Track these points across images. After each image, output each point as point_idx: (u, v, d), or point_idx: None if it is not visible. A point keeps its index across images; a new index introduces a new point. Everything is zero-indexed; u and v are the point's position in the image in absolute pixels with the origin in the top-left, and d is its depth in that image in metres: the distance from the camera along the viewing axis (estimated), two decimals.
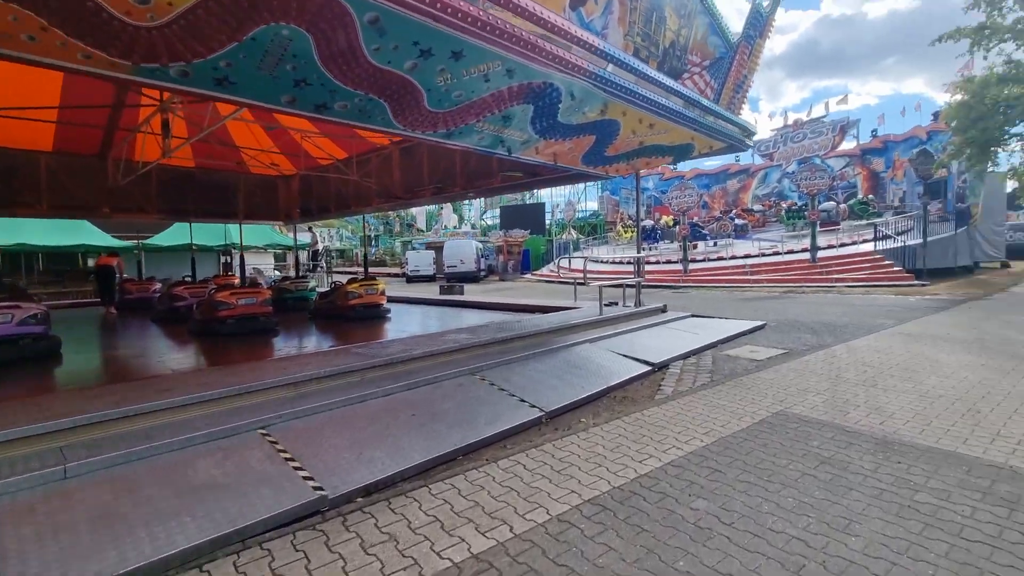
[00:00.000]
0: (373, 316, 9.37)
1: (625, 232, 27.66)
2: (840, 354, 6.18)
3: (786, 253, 19.42)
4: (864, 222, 21.86)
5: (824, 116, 31.65)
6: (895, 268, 16.54)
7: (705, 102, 7.12)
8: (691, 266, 20.04)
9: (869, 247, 18.42)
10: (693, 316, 8.78)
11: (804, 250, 18.60)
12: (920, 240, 17.25)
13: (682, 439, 3.67)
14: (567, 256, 25.42)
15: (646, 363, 5.72)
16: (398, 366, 4.74)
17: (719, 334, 7.34)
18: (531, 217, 31.79)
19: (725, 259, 20.01)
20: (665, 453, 3.42)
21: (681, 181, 19.78)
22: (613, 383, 5.07)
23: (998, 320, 8.44)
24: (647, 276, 19.91)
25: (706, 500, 2.79)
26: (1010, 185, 22.69)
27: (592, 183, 40.69)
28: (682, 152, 8.19)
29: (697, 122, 7.02)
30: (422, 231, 42.74)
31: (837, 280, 16.16)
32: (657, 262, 22.03)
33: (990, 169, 18.39)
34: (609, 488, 2.95)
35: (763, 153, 34.44)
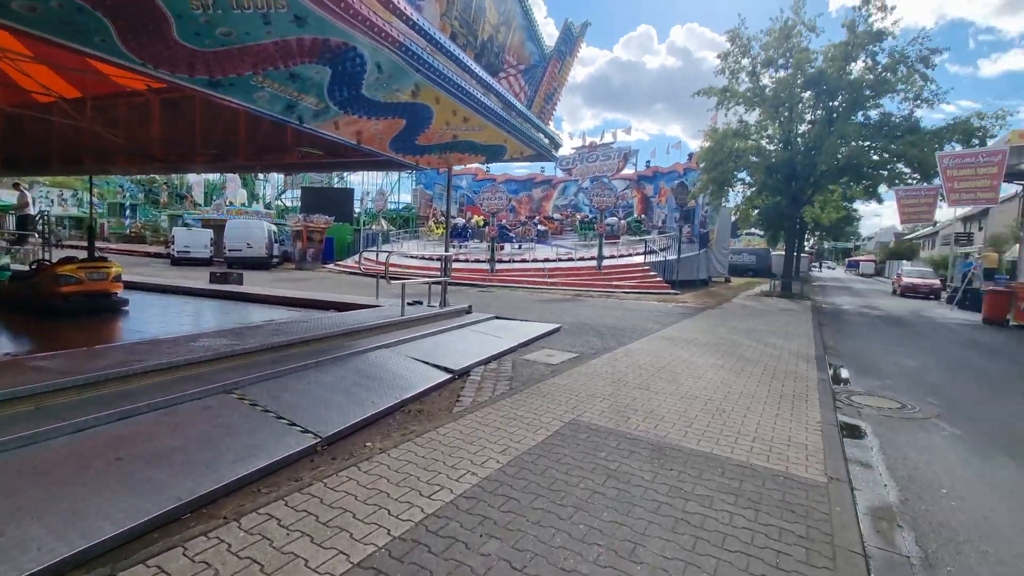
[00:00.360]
0: (97, 309, 7.14)
1: (437, 228, 27.52)
2: (620, 358, 6.75)
3: (578, 260, 21.58)
4: (637, 238, 25.69)
5: (612, 143, 36.52)
6: (658, 279, 19.67)
7: (520, 106, 7.11)
8: (497, 266, 20.81)
9: (640, 259, 21.61)
10: (497, 318, 8.83)
11: (592, 258, 20.89)
12: (675, 256, 20.90)
13: (478, 460, 3.34)
14: (375, 248, 24.12)
15: (447, 370, 5.36)
16: (109, 385, 3.44)
17: (520, 337, 7.44)
18: (338, 203, 29.39)
19: (528, 261, 21.34)
20: (458, 482, 3.03)
21: (493, 184, 20.42)
22: (409, 395, 4.56)
23: (726, 326, 10.44)
24: (455, 274, 20.03)
25: (498, 540, 2.46)
26: (733, 217, 29.35)
27: (407, 174, 39.74)
28: (495, 153, 8.13)
29: (512, 125, 6.96)
30: (199, 205, 36.05)
31: (616, 287, 18.49)
32: (466, 260, 22.35)
33: (724, 203, 23.33)
34: (388, 541, 2.41)
35: (564, 167, 38.11)
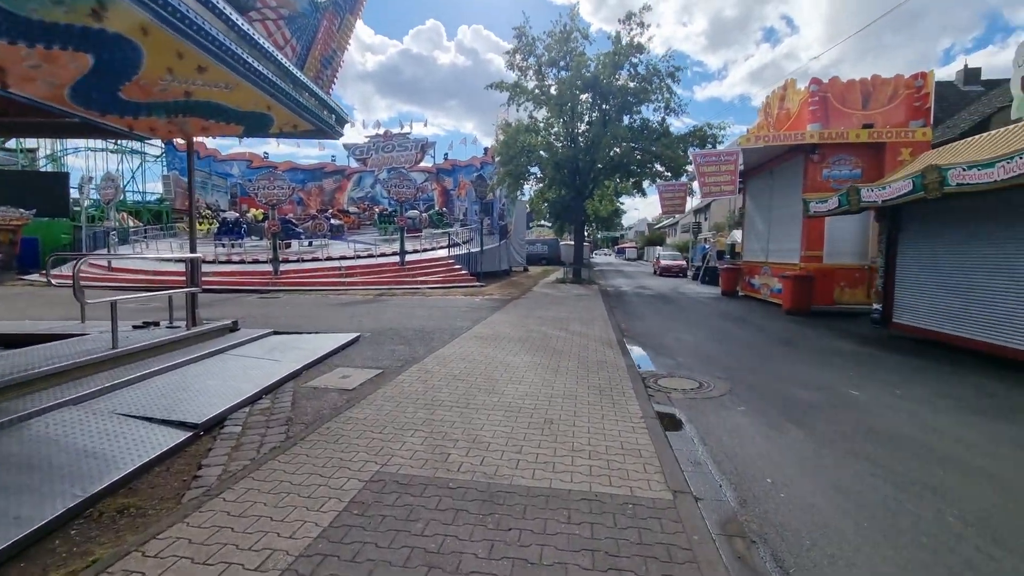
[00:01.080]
0: None
1: (201, 224, 22.70)
2: (432, 368, 5.83)
3: (379, 256, 20.03)
4: (440, 231, 25.21)
5: (409, 133, 35.38)
6: (463, 272, 19.41)
7: (285, 62, 5.53)
8: (283, 267, 17.96)
9: (444, 253, 21.13)
10: (275, 333, 7.06)
11: (394, 254, 19.59)
12: (479, 249, 20.97)
13: None
14: (106, 252, 18.59)
15: (184, 425, 3.68)
16: None
17: (307, 356, 5.93)
18: (44, 192, 21.77)
19: (321, 260, 18.92)
20: None
21: (271, 171, 17.35)
22: (105, 484, 2.85)
23: (534, 317, 10.43)
24: (228, 280, 16.58)
25: None
26: (528, 209, 31.13)
27: (152, 158, 32.19)
28: (256, 123, 6.32)
29: (276, 87, 5.36)
30: None
31: (422, 282, 17.59)
32: (242, 262, 18.81)
33: (519, 196, 24.30)
34: None
35: (358, 157, 35.52)
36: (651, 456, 3.52)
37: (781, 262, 13.18)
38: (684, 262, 29.22)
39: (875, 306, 9.03)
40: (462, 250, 20.74)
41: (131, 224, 27.63)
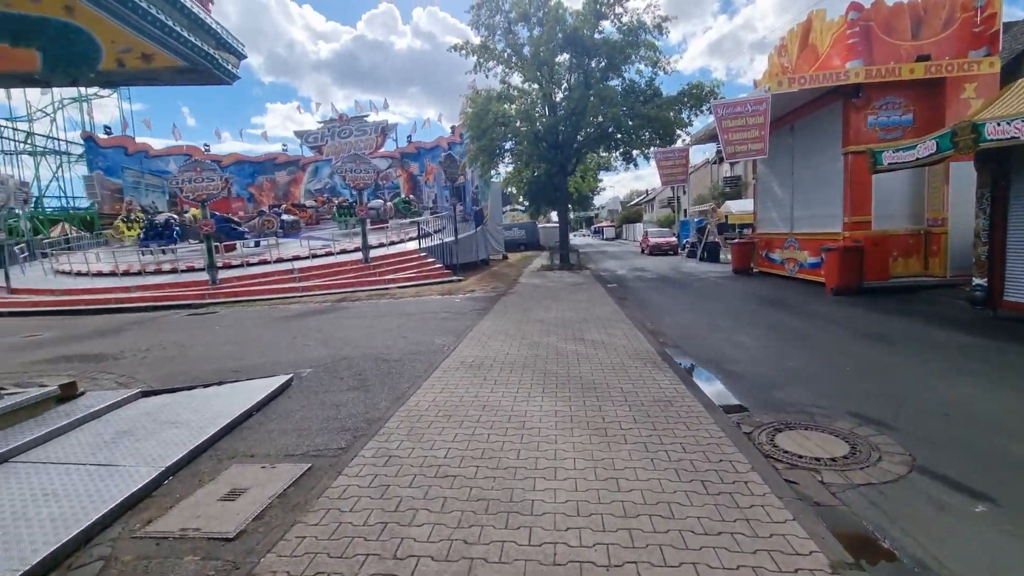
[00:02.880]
0: None
1: (129, 229, 19.52)
2: (400, 449, 3.45)
3: (339, 253, 17.33)
4: (408, 220, 22.50)
5: (367, 115, 32.25)
6: (437, 265, 16.92)
7: None
8: (224, 274, 15.14)
9: (414, 245, 18.56)
10: (144, 394, 4.53)
11: (356, 249, 16.94)
12: (453, 238, 18.43)
13: None
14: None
15: None
16: None
17: (182, 444, 3.48)
18: None
19: (270, 263, 16.13)
20: None
21: (196, 162, 14.28)
22: None
23: (533, 321, 8.11)
24: (155, 295, 13.72)
25: None
26: (506, 190, 28.59)
27: (76, 158, 28.30)
28: (65, 47, 3.74)
29: None
30: None
31: (390, 281, 15.06)
32: (174, 271, 15.87)
33: (494, 177, 21.79)
34: None
35: (312, 145, 32.28)
36: None
37: (815, 232, 11.12)
38: (674, 238, 27.26)
39: (977, 281, 7.01)
40: (434, 241, 18.16)
41: (72, 234, 23.98)
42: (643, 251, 29.13)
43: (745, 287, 11.94)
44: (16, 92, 29.05)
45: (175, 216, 19.24)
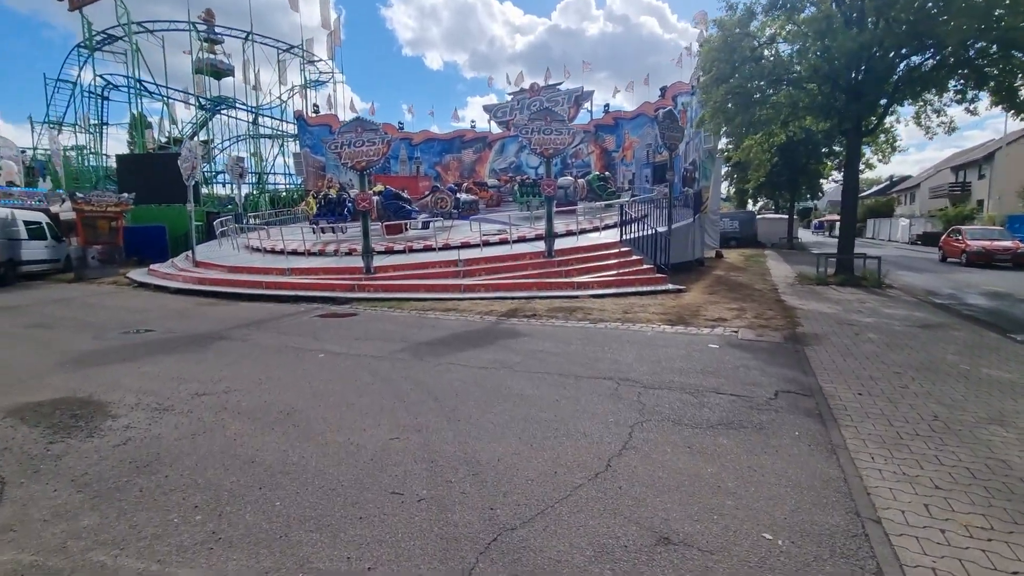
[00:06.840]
0: None
1: (308, 204, 18.69)
2: None
3: (516, 242, 13.50)
4: (602, 203, 17.79)
5: (560, 84, 28.33)
6: (643, 264, 11.94)
7: None
8: (383, 260, 12.47)
9: (612, 235, 13.81)
10: None
11: (538, 237, 12.89)
12: (666, 228, 13.13)
13: None
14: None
15: None
16: None
17: None
18: (168, 175, 19.80)
19: (434, 249, 13.03)
20: None
21: (359, 120, 11.73)
22: None
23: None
24: (307, 282, 11.53)
25: None
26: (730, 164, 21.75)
27: (292, 139, 30.08)
28: None
29: None
30: None
31: (580, 286, 10.60)
32: (336, 254, 13.82)
33: (721, 149, 15.69)
34: None
35: (500, 120, 29.66)
36: None
37: None
38: (1020, 243, 17.44)
39: None
40: (639, 231, 13.08)
41: (237, 207, 25.55)
42: (944, 259, 19.72)
43: None
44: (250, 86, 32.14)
45: (348, 192, 17.67)
